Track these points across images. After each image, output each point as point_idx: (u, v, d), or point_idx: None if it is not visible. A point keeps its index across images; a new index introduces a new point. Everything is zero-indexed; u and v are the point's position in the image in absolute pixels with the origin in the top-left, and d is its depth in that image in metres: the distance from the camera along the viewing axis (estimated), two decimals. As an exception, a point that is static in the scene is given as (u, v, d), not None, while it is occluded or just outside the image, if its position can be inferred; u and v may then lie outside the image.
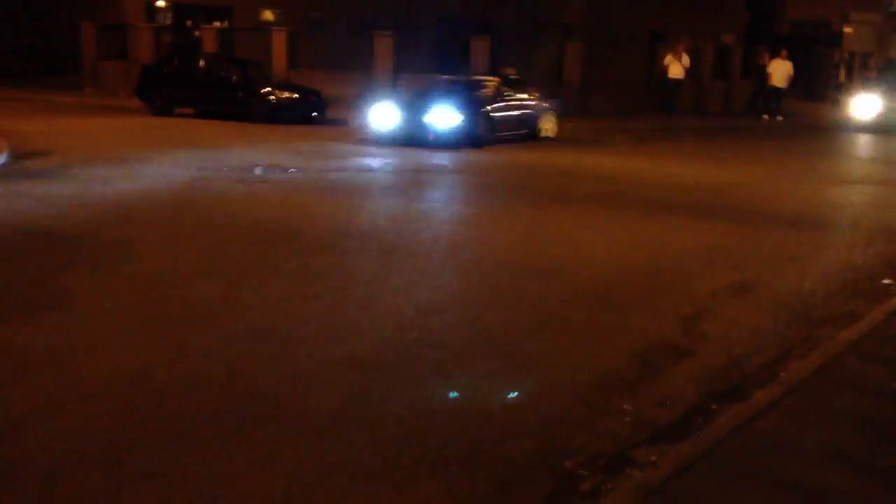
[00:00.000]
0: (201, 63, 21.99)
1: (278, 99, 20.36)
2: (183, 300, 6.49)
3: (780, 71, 24.27)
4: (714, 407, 4.79)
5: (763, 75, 24.83)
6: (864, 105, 21.76)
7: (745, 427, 4.44)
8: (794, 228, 9.85)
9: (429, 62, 27.17)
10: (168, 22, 30.36)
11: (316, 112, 20.71)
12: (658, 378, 5.27)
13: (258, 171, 12.80)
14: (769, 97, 25.01)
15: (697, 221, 10.08)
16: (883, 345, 5.76)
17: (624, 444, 4.38)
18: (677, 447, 4.23)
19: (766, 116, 24.85)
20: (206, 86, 21.01)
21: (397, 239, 8.65)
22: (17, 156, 13.24)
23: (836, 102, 24.46)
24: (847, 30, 37.34)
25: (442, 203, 11.25)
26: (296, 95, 20.70)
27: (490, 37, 26.56)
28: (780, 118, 24.52)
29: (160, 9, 30.69)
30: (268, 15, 31.60)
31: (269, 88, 20.66)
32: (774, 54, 25.01)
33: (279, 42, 25.73)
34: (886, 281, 7.57)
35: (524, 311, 6.46)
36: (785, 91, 24.68)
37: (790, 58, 24.54)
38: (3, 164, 12.48)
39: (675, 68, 24.48)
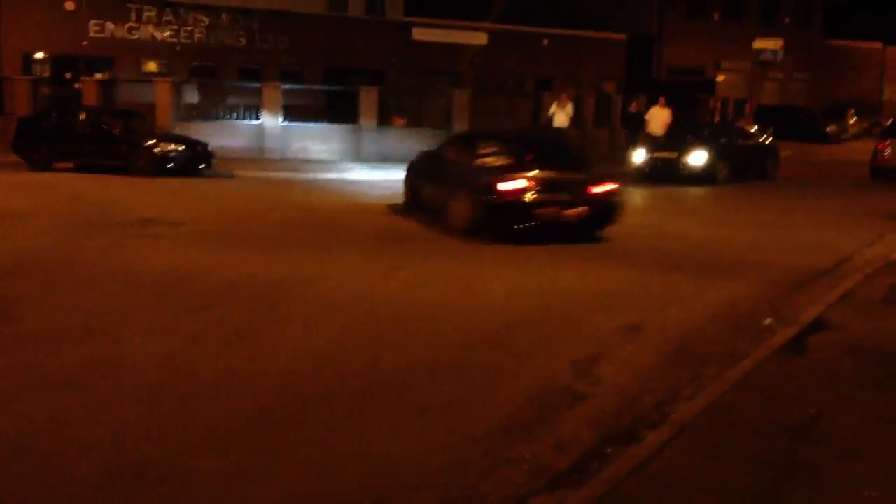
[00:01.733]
0: (81, 115, 21.40)
1: (163, 151, 19.94)
2: (65, 361, 6.24)
3: (658, 118, 24.93)
4: (609, 451, 4.85)
5: (640, 122, 25.45)
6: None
7: (640, 469, 4.51)
8: (679, 271, 10.16)
9: (318, 112, 27.19)
10: (46, 74, 29.48)
11: (203, 164, 20.37)
12: (554, 422, 5.31)
13: (139, 225, 12.48)
14: (647, 145, 25.52)
15: (587, 266, 10.29)
16: (767, 382, 5.97)
17: (523, 491, 4.39)
18: (575, 495, 4.26)
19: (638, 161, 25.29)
20: (87, 139, 20.42)
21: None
22: None
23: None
24: (719, 78, 39.10)
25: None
26: (182, 147, 20.31)
27: (379, 86, 26.76)
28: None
29: (38, 60, 29.81)
30: (151, 66, 31.08)
31: (153, 140, 20.23)
32: (653, 102, 25.67)
33: (163, 93, 25.28)
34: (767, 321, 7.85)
35: (421, 358, 6.44)
36: (662, 138, 25.23)
37: (668, 105, 25.24)
38: None
39: (560, 117, 25.04)
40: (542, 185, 11.53)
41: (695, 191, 19.49)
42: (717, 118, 30.84)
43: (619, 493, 4.26)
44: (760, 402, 5.55)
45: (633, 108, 26.67)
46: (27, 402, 5.45)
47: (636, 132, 25.12)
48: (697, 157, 20.95)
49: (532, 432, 5.14)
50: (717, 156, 21.14)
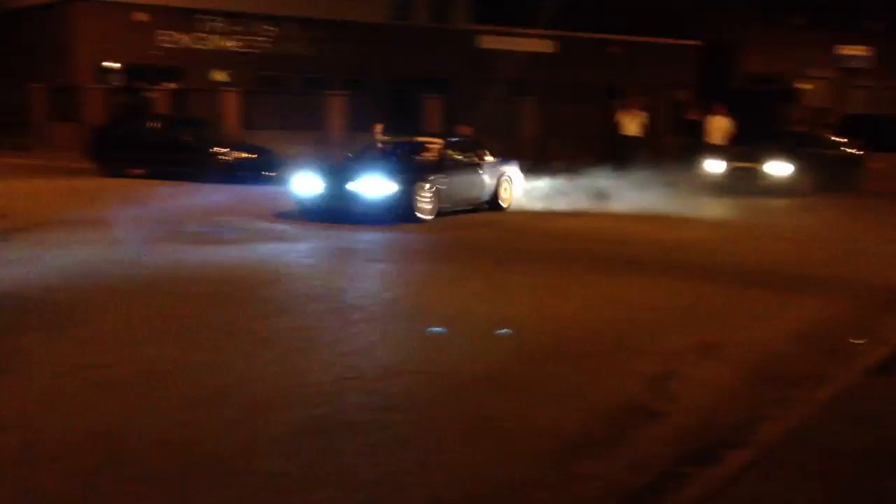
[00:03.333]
0: (153, 124, 21.80)
1: (232, 158, 20.19)
2: (136, 362, 6.30)
3: (717, 127, 24.29)
4: (686, 471, 4.64)
5: (699, 131, 24.83)
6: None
7: (719, 492, 4.30)
8: (759, 286, 9.83)
9: (382, 121, 27.28)
10: (119, 83, 30.18)
11: (270, 171, 20.55)
12: (627, 439, 5.13)
13: (206, 230, 12.58)
14: (706, 154, 24.84)
15: (663, 279, 10.03)
16: (855, 405, 5.69)
17: (597, 511, 4.22)
18: (652, 515, 4.08)
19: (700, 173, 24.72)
20: (158, 146, 20.79)
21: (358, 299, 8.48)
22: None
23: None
24: (805, 86, 37.94)
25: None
26: (250, 155, 20.54)
27: (444, 95, 26.73)
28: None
29: (111, 70, 30.52)
30: (219, 75, 31.58)
31: (222, 148, 20.48)
32: (723, 110, 25.01)
33: (231, 102, 25.67)
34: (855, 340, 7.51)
35: (487, 370, 6.30)
36: (719, 148, 24.53)
37: (731, 114, 24.57)
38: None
39: (631, 126, 24.65)
40: None
41: (776, 203, 18.93)
42: (800, 128, 30.00)
43: (699, 517, 4.06)
44: (847, 426, 5.29)
45: (693, 116, 26.09)
46: (100, 400, 5.53)
47: (692, 141, 24.62)
48: (779, 168, 20.33)
49: (604, 449, 4.97)
50: (800, 167, 20.45)
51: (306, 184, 14.28)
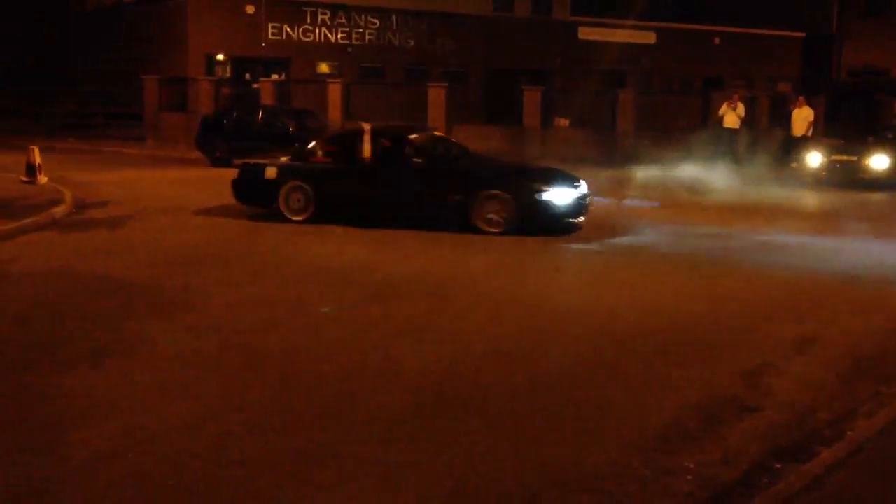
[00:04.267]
0: (258, 115, 22.39)
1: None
2: (245, 348, 6.56)
3: (799, 119, 23.76)
4: (779, 466, 4.67)
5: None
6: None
7: (812, 487, 4.32)
8: (858, 281, 9.64)
9: (481, 112, 27.44)
10: (227, 75, 31.07)
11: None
12: (720, 433, 5.16)
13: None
14: (790, 146, 24.23)
15: (756, 273, 9.92)
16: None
17: (686, 502, 4.29)
18: (743, 508, 4.13)
19: (794, 165, 24.19)
20: (264, 137, 21.32)
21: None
22: (81, 205, 13.58)
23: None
24: (904, 77, 36.66)
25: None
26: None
27: (542, 87, 26.70)
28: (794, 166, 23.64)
29: (219, 62, 31.44)
30: (324, 67, 32.18)
31: (296, 146, 20.87)
32: (805, 102, 24.37)
33: (335, 93, 26.17)
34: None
35: (580, 361, 6.41)
36: (805, 139, 23.94)
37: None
38: (67, 214, 12.80)
39: (731, 117, 24.21)
40: None
41: (876, 196, 18.38)
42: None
43: (790, 511, 4.10)
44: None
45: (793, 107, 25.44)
46: (206, 383, 5.78)
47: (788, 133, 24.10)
48: (880, 161, 19.79)
49: (697, 442, 5.00)
50: None
51: None
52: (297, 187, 12.47)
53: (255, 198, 12.95)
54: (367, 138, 12.48)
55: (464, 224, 11.80)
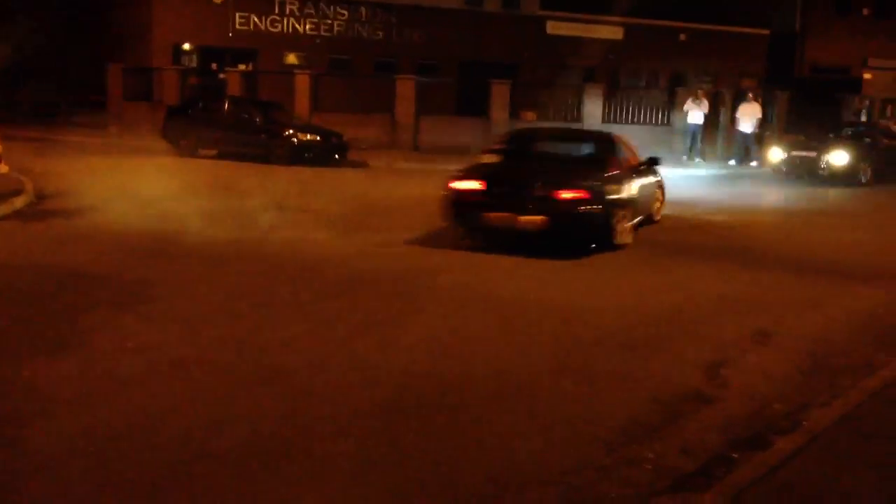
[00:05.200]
0: (225, 105, 22.26)
1: (300, 141, 20.56)
2: (200, 341, 6.53)
3: (746, 114, 24.06)
4: (736, 456, 4.75)
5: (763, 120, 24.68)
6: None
7: (768, 476, 4.40)
8: (814, 275, 9.80)
9: (450, 105, 27.47)
10: (193, 65, 30.81)
11: (338, 154, 20.90)
12: (680, 424, 5.24)
13: (276, 211, 12.91)
14: (736, 142, 24.59)
15: (718, 266, 10.05)
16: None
17: (646, 492, 4.35)
18: (700, 498, 4.20)
19: (731, 162, 24.53)
20: (230, 128, 21.24)
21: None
22: (40, 195, 13.41)
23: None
24: (866, 76, 37.25)
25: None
26: (318, 138, 20.89)
27: (511, 81, 26.78)
28: (753, 163, 23.96)
29: (186, 51, 31.18)
30: (291, 58, 32.02)
31: (291, 131, 20.86)
32: (752, 96, 24.68)
33: (302, 84, 26.05)
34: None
35: (545, 356, 6.46)
36: (752, 135, 24.28)
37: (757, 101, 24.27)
38: (27, 204, 12.64)
39: (695, 113, 24.49)
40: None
41: (834, 192, 18.71)
42: (862, 117, 29.49)
43: (746, 499, 4.17)
44: (898, 414, 5.33)
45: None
46: (165, 378, 5.72)
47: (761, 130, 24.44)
48: (839, 157, 20.09)
49: (657, 434, 5.08)
50: (860, 156, 20.20)
51: None
52: None
53: None
54: None
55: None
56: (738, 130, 24.27)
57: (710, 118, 25.21)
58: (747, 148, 24.19)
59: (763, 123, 24.27)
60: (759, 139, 24.26)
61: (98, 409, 5.14)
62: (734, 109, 25.06)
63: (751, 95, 24.38)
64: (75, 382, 5.59)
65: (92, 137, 25.48)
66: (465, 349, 6.55)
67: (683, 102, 25.20)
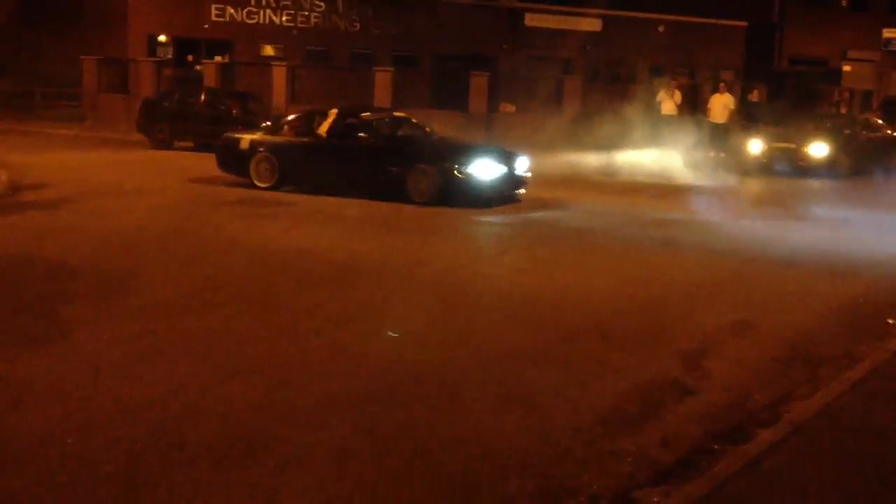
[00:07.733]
0: (201, 97, 22.07)
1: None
2: (180, 332, 6.47)
3: (718, 105, 24.08)
4: (717, 447, 4.73)
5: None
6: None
7: (749, 468, 4.39)
8: (794, 266, 9.82)
9: (427, 98, 27.36)
10: (169, 56, 30.51)
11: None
12: (660, 416, 5.22)
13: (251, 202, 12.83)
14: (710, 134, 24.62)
15: (694, 257, 10.06)
16: (887, 385, 5.73)
17: (627, 484, 4.33)
18: (680, 490, 4.18)
19: (711, 154, 24.56)
20: (206, 119, 21.05)
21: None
22: (15, 188, 13.26)
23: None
24: (846, 68, 37.43)
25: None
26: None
27: (489, 73, 26.71)
28: (723, 155, 24.00)
29: (161, 43, 30.87)
30: (268, 50, 31.79)
31: (269, 123, 20.68)
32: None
33: (279, 76, 25.86)
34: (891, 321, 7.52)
35: (523, 345, 6.42)
36: (724, 126, 24.31)
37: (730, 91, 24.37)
38: (2, 196, 12.48)
39: (668, 105, 24.51)
40: None
41: (813, 184, 18.79)
42: (842, 109, 29.64)
43: (727, 491, 4.16)
44: (879, 405, 5.33)
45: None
46: (145, 368, 5.67)
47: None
48: (818, 149, 20.18)
49: (637, 425, 5.06)
50: (839, 148, 20.29)
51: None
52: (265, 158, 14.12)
53: (232, 167, 14.59)
54: (329, 117, 13.93)
55: (402, 195, 13.12)
56: (708, 122, 24.26)
57: (683, 109, 25.23)
58: (718, 140, 24.19)
59: (735, 115, 24.26)
60: (728, 130, 24.21)
61: (74, 400, 5.10)
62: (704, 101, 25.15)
63: (722, 86, 24.40)
64: (52, 374, 5.55)
65: (67, 130, 25.24)
66: (444, 336, 6.49)
67: (657, 94, 25.23)
